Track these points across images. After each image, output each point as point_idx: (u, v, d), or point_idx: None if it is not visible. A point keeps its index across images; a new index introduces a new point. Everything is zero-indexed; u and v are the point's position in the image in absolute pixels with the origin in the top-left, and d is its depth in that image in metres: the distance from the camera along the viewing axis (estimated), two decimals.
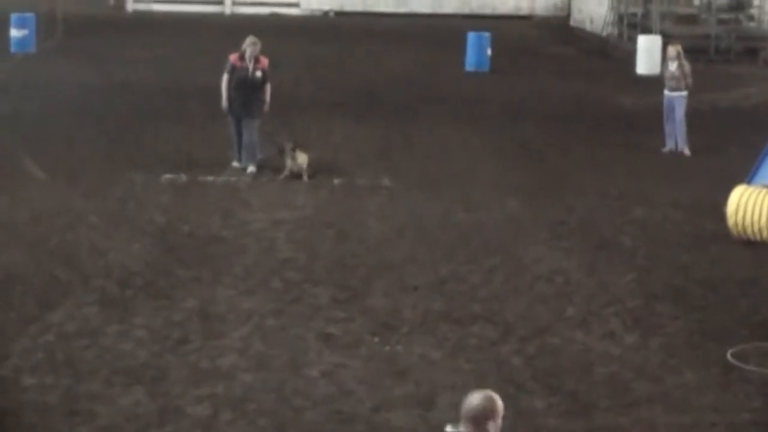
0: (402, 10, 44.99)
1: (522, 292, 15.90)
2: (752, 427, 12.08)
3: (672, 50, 24.93)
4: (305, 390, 12.30)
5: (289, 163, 20.63)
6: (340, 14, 45.02)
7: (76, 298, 14.90)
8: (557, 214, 19.78)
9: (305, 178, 20.66)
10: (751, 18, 37.95)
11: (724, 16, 37.16)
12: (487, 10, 43.62)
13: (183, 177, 21.48)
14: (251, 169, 21.32)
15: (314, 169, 20.72)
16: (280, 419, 11.64)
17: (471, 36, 34.33)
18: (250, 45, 21.32)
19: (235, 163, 21.52)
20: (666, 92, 24.37)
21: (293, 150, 20.74)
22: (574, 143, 25.43)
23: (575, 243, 18.19)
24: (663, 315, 15.15)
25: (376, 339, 13.57)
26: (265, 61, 21.38)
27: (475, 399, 7.73)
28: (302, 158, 20.58)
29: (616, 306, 15.41)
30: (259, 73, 21.24)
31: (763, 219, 18.25)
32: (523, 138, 25.80)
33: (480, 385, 10.74)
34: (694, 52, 28.18)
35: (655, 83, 27.63)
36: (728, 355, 13.60)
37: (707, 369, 13.46)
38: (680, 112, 24.04)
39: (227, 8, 43.87)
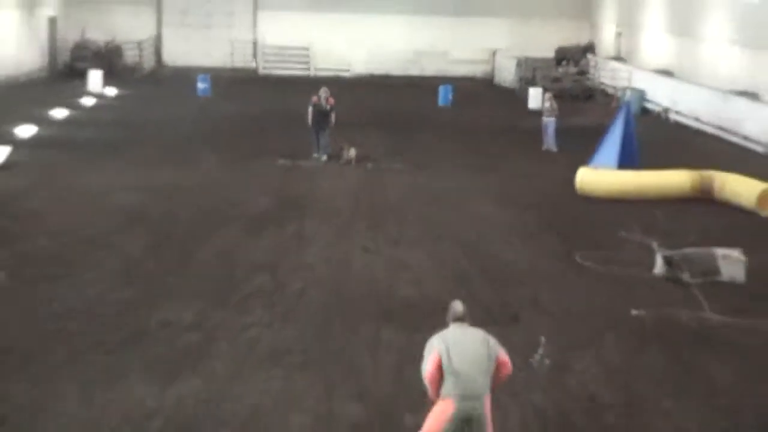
0: (405, 73, 56.03)
1: (467, 222, 22.58)
2: (584, 299, 17.21)
3: (546, 96, 34.58)
4: (353, 275, 18.05)
5: (345, 154, 29.14)
6: (372, 76, 56.21)
7: (229, 226, 21.37)
8: (489, 184, 27.17)
9: (353, 163, 28.86)
10: (587, 78, 49.90)
11: (575, 78, 49.69)
12: (450, 74, 53.93)
13: (288, 162, 29.30)
14: (324, 158, 29.73)
15: (358, 158, 28.86)
16: (341, 285, 17.29)
17: (441, 87, 45.71)
18: (323, 91, 30.01)
19: (315, 155, 29.82)
20: (543, 118, 33.33)
21: (348, 147, 29.27)
22: (499, 145, 34.07)
23: (498, 198, 25.16)
24: (544, 241, 21.13)
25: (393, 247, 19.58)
26: (331, 100, 29.95)
27: (458, 305, 9.72)
28: (352, 152, 29.16)
29: (517, 229, 22.07)
30: (328, 107, 29.74)
31: (595, 185, 25.24)
32: (473, 142, 34.46)
33: (443, 273, 18.35)
34: (558, 96, 36.59)
35: (537, 113, 36.58)
36: (577, 258, 19.29)
37: (565, 265, 19.06)
38: (551, 128, 32.70)
39: (311, 72, 55.95)
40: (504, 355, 9.81)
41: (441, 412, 9.63)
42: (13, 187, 24.10)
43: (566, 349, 14.34)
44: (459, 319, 9.90)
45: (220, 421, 11.84)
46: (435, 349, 9.65)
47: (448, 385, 9.57)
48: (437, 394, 9.68)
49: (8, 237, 19.92)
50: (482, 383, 9.62)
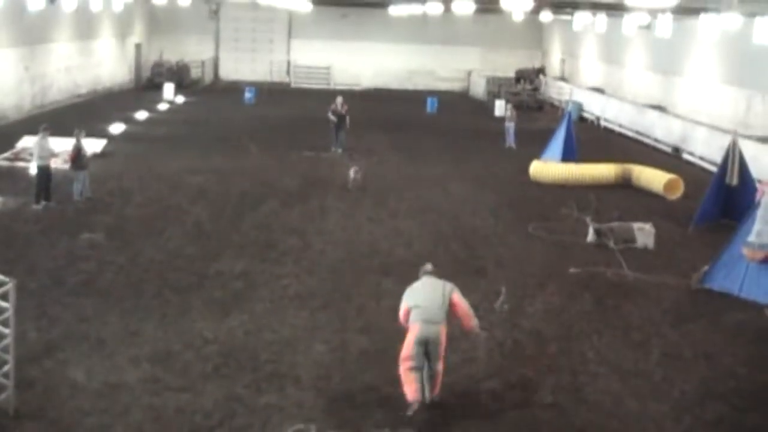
0: (402, 87, 55.58)
1: (447, 200, 22.62)
2: (534, 259, 17.51)
3: (508, 106, 35.01)
4: (362, 239, 18.27)
5: (349, 178, 23.16)
6: (377, 89, 54.95)
7: (268, 200, 21.42)
8: (464, 171, 27.03)
9: (358, 182, 22.98)
10: (539, 93, 49.11)
11: (529, 93, 48.61)
12: (436, 88, 53.45)
13: (311, 153, 28.90)
14: (340, 151, 29.16)
15: (358, 179, 23.08)
16: (352, 246, 17.49)
17: (429, 99, 45.23)
18: (339, 99, 29.65)
19: (333, 148, 29.28)
20: (506, 123, 32.99)
21: (350, 167, 23.88)
22: (472, 143, 33.36)
23: (471, 182, 25.11)
24: (505, 214, 21.13)
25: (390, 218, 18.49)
26: (346, 107, 29.52)
27: (427, 265, 10.10)
28: (352, 173, 23.36)
29: (484, 205, 22.11)
30: (344, 111, 29.34)
31: (544, 174, 25.28)
32: (452, 140, 33.81)
33: (429, 237, 18.39)
34: (517, 107, 36.36)
35: (501, 119, 36.10)
36: (529, 228, 19.45)
37: (520, 233, 19.19)
38: (511, 131, 32.40)
39: (331, 85, 54.23)
40: (458, 297, 10.18)
41: (410, 335, 10.03)
42: (109, 170, 24.26)
43: (520, 296, 14.48)
44: (426, 273, 10.39)
45: (261, 347, 11.97)
46: (404, 300, 10.20)
47: (413, 315, 10.01)
48: (407, 326, 10.14)
49: (106, 207, 20.12)
50: (438, 313, 10.00)
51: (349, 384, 10.74)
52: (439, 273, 10.49)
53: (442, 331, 9.96)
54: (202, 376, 10.90)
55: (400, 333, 11.27)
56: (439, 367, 10.05)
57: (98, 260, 15.85)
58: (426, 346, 9.90)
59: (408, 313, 10.08)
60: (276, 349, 11.85)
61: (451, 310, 10.13)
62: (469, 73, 56.50)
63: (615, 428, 9.86)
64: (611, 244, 17.82)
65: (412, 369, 9.88)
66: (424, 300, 9.98)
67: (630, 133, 36.82)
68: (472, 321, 10.31)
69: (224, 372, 11.04)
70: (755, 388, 11.22)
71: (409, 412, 9.78)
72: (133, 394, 10.28)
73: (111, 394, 10.24)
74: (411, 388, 9.83)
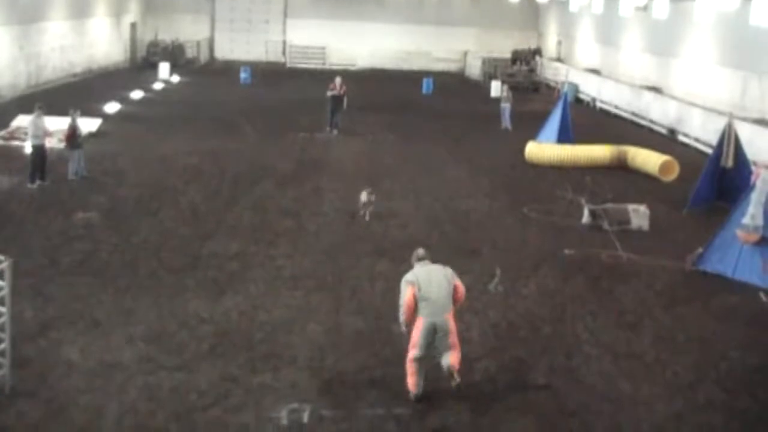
0: (397, 68, 55.24)
1: (442, 182, 22.55)
2: (528, 240, 17.50)
3: (504, 87, 34.75)
4: (356, 220, 18.01)
5: (361, 203, 18.38)
6: (373, 69, 54.70)
7: (263, 182, 21.43)
8: (459, 153, 27.07)
9: (368, 210, 18.18)
10: (535, 75, 48.89)
11: (525, 74, 48.43)
12: (432, 69, 52.88)
13: (306, 134, 28.88)
14: (335, 132, 29.05)
15: (369, 205, 18.30)
16: (347, 228, 17.56)
17: (425, 79, 44.96)
18: (338, 80, 29.35)
19: (328, 129, 29.23)
20: (501, 104, 32.85)
21: (362, 193, 18.51)
22: (467, 124, 33.38)
23: (466, 164, 25.18)
24: (500, 196, 21.19)
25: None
26: (344, 88, 29.26)
27: (420, 250, 9.93)
28: (363, 196, 18.34)
29: (479, 187, 22.11)
30: (342, 92, 29.07)
31: (539, 155, 25.28)
32: (447, 122, 33.77)
33: (423, 219, 18.37)
34: (513, 88, 36.50)
35: (497, 100, 35.74)
36: (524, 210, 19.58)
37: (515, 215, 19.33)
38: (507, 112, 32.28)
39: (326, 65, 54.22)
40: (458, 281, 10.07)
41: (416, 330, 9.87)
42: (104, 150, 24.23)
43: (514, 278, 14.49)
44: (421, 259, 10.13)
45: (255, 328, 11.99)
46: (410, 284, 9.85)
47: (421, 308, 9.79)
48: (410, 318, 9.87)
49: (101, 187, 20.10)
50: (446, 304, 9.87)
51: (343, 364, 10.78)
52: (431, 255, 10.40)
53: (449, 318, 9.90)
54: (196, 355, 10.94)
55: (394, 313, 11.31)
56: (453, 358, 9.88)
57: (93, 240, 15.87)
58: (434, 335, 9.81)
59: (415, 299, 9.79)
60: (270, 330, 11.88)
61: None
62: (465, 54, 56.39)
63: (607, 410, 9.91)
64: (606, 225, 17.83)
65: (416, 359, 9.80)
66: (437, 292, 9.78)
67: (626, 115, 36.85)
68: (461, 296, 10.22)
69: (219, 352, 11.07)
70: (747, 371, 11.25)
71: (412, 397, 9.78)
72: (127, 373, 10.31)
73: (106, 373, 10.28)
74: (412, 381, 9.79)
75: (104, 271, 14.16)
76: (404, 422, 9.36)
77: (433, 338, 9.82)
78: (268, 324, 12.09)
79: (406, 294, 9.86)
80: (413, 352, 9.84)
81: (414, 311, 9.84)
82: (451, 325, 9.89)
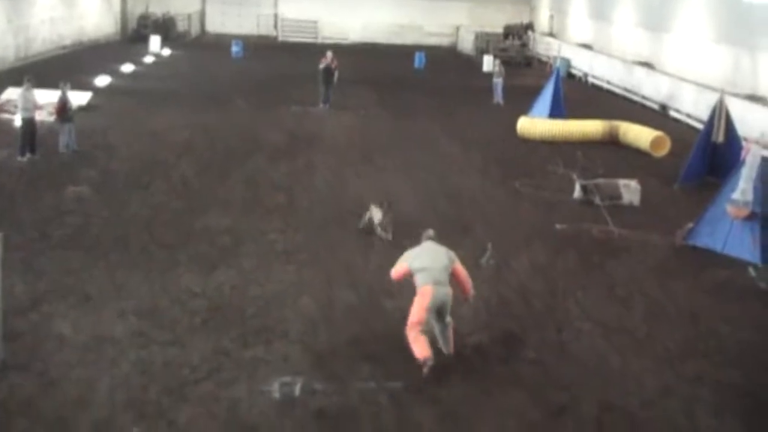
0: (389, 42, 55.29)
1: (433, 156, 22.48)
2: (520, 215, 17.58)
3: (496, 62, 34.47)
4: (349, 195, 18.21)
5: (370, 218, 15.41)
6: (365, 43, 54.89)
7: (255, 156, 21.40)
8: (451, 127, 26.95)
9: (385, 229, 15.00)
10: (528, 49, 48.90)
11: (518, 48, 48.24)
12: (424, 43, 53.09)
13: (300, 108, 28.72)
14: (327, 107, 28.80)
15: (386, 223, 15.17)
16: (339, 203, 17.53)
17: (417, 54, 45.08)
18: (329, 54, 29.05)
19: (321, 105, 28.88)
20: (494, 79, 32.79)
21: (376, 210, 15.46)
22: (459, 99, 33.27)
23: (458, 138, 25.08)
24: (492, 171, 21.20)
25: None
26: (335, 61, 28.95)
27: (430, 231, 10.19)
28: (375, 214, 15.30)
29: (471, 162, 22.07)
30: (333, 66, 28.76)
31: (531, 130, 25.31)
32: (439, 96, 33.67)
33: (415, 194, 18.27)
34: (505, 62, 36.02)
35: (489, 75, 36.11)
36: (516, 185, 19.65)
37: (507, 190, 19.36)
38: (499, 87, 32.14)
39: (318, 39, 54.42)
40: (459, 265, 10.29)
41: (422, 297, 9.93)
42: (94, 124, 24.12)
43: (506, 253, 14.49)
44: (430, 238, 10.36)
45: (248, 302, 11.99)
46: (405, 259, 10.20)
47: (421, 278, 9.95)
48: (398, 278, 10.40)
49: (92, 161, 20.00)
50: (443, 275, 10.03)
51: (335, 338, 10.81)
52: (440, 239, 10.54)
53: (450, 292, 10.09)
54: (189, 329, 10.96)
55: (386, 288, 11.43)
56: (450, 319, 10.23)
57: (84, 214, 15.82)
58: (439, 310, 10.05)
59: (408, 274, 10.12)
60: (263, 304, 11.90)
61: (452, 277, 10.24)
62: (458, 29, 56.19)
63: (598, 384, 9.97)
64: (597, 200, 17.85)
65: (422, 332, 9.92)
66: (432, 262, 9.99)
67: (618, 90, 36.83)
68: (470, 286, 10.50)
69: (211, 326, 11.09)
70: (736, 345, 11.31)
71: (425, 370, 9.73)
72: (119, 348, 10.33)
73: (98, 347, 10.30)
74: (422, 347, 9.77)
75: (96, 245, 14.14)
76: (396, 395, 9.40)
77: (438, 311, 10.03)
78: (261, 298, 12.10)
79: (399, 266, 10.25)
80: (418, 329, 9.84)
81: (401, 279, 10.29)
82: (450, 299, 10.09)
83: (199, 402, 9.16)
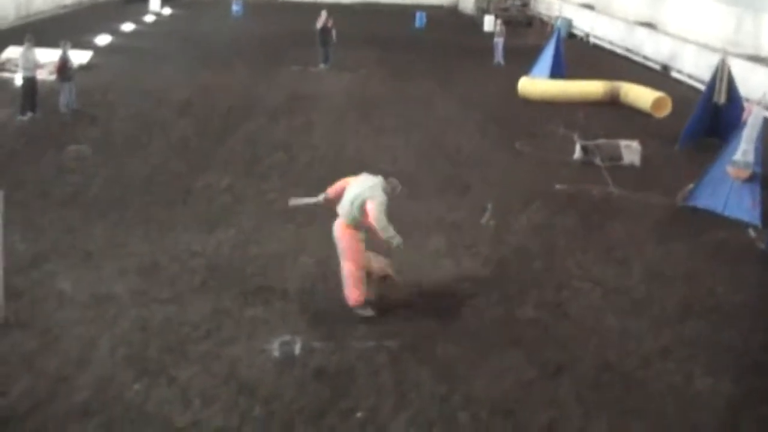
0: (389, 1, 55.90)
1: (433, 116, 22.49)
2: (520, 176, 16.76)
3: (497, 21, 34.17)
4: (347, 154, 18.13)
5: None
6: (365, 3, 55.08)
7: (254, 115, 21.37)
8: (451, 88, 26.75)
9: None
10: (529, 9, 49.19)
11: (519, 8, 48.69)
12: (424, 3, 53.16)
13: (299, 68, 28.80)
14: (327, 67, 28.86)
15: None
16: (338, 161, 17.45)
17: (417, 14, 45.02)
18: (323, 14, 29.02)
19: (321, 65, 28.92)
20: (495, 39, 32.72)
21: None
22: (460, 59, 33.27)
23: (458, 99, 24.90)
24: (492, 131, 21.00)
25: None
26: (330, 21, 29.03)
27: (393, 179, 10.07)
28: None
29: (471, 122, 21.94)
30: (330, 26, 28.86)
31: (532, 91, 25.17)
32: (440, 56, 33.67)
33: (414, 153, 18.28)
34: (506, 22, 35.37)
35: (490, 35, 36.27)
36: (516, 145, 19.62)
37: (507, 150, 19.26)
38: (500, 47, 32.13)
39: None
40: (371, 204, 9.85)
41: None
42: (95, 83, 24.09)
43: (506, 213, 14.46)
44: (386, 180, 10.23)
45: (247, 261, 11.99)
46: (344, 181, 10.48)
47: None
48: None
49: (93, 120, 19.96)
50: (344, 206, 10.09)
51: (334, 298, 10.76)
52: (392, 187, 10.30)
53: (341, 225, 10.02)
54: (189, 288, 10.96)
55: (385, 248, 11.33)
56: (344, 267, 10.04)
57: (85, 173, 15.82)
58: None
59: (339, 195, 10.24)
60: (262, 263, 11.89)
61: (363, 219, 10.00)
62: None
63: (595, 343, 9.97)
64: (597, 161, 17.78)
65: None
66: (347, 193, 10.02)
67: (619, 51, 36.63)
68: (381, 234, 9.96)
69: (211, 285, 11.09)
70: (734, 306, 11.30)
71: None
72: (120, 306, 10.34)
73: (98, 305, 10.31)
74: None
75: (96, 203, 14.13)
76: (394, 354, 9.40)
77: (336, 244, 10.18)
78: (260, 257, 12.09)
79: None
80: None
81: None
82: (339, 233, 10.06)
83: (199, 360, 9.17)
